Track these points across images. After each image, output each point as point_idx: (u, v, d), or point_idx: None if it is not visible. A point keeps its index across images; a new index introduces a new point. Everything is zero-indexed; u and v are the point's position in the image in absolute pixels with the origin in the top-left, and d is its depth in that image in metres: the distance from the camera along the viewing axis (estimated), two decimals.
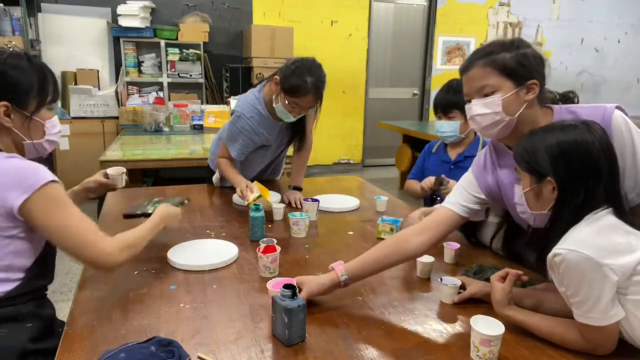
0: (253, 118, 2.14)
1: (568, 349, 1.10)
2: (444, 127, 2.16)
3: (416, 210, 1.83)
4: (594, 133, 1.08)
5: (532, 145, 1.13)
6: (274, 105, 2.09)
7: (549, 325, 1.13)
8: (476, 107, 1.29)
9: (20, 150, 1.27)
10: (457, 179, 2.12)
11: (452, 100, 2.11)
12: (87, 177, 1.75)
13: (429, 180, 2.09)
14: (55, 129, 1.33)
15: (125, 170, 1.82)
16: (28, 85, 1.22)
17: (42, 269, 1.26)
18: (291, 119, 2.11)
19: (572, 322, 1.07)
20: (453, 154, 2.23)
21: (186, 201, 2.01)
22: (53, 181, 1.16)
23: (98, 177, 1.74)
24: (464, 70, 1.31)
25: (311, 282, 1.29)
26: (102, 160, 3.14)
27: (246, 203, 1.94)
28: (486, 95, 1.26)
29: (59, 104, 4.90)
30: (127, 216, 1.95)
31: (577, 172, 1.07)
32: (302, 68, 1.98)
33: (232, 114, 2.24)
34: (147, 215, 1.53)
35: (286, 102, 2.02)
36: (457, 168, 2.20)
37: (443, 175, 2.09)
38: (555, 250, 1.04)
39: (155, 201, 2.04)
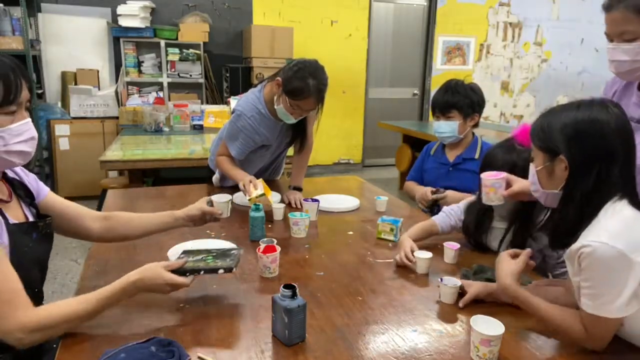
0: (253, 117, 2.14)
1: (568, 344, 1.10)
2: (442, 128, 2.15)
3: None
4: (610, 112, 1.05)
5: (548, 124, 1.11)
6: (275, 106, 2.09)
7: (551, 309, 1.12)
8: (615, 52, 1.26)
9: None
10: (456, 181, 2.14)
11: (450, 101, 2.11)
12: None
13: (425, 195, 2.13)
14: (17, 138, 1.10)
15: (231, 198, 1.62)
16: None
17: None
18: (292, 120, 2.11)
19: (574, 311, 1.08)
20: (451, 156, 2.23)
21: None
22: None
23: (202, 204, 1.52)
24: (606, 8, 1.28)
25: None
26: (102, 160, 3.14)
27: (247, 198, 1.93)
28: (627, 41, 1.23)
29: (59, 104, 4.91)
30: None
31: (590, 151, 1.04)
32: (305, 70, 1.98)
33: (232, 113, 2.24)
34: (195, 272, 1.22)
35: (288, 104, 2.02)
36: (456, 170, 2.20)
37: (438, 188, 2.12)
38: (584, 242, 1.01)
39: (210, 253, 1.36)
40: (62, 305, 1.08)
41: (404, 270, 1.54)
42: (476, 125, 2.19)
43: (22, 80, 1.10)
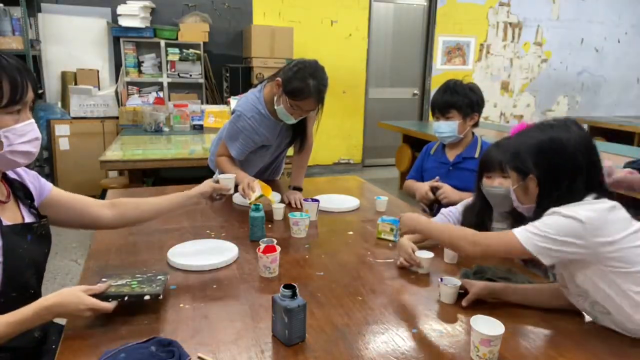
0: (253, 117, 2.14)
1: (568, 343, 1.10)
2: (442, 128, 2.16)
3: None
4: (571, 131, 1.15)
5: (517, 147, 1.22)
6: (275, 107, 2.09)
7: (447, 224, 1.47)
8: None
9: None
10: (455, 180, 2.14)
11: (449, 101, 2.12)
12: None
13: (426, 195, 2.15)
14: (21, 139, 1.10)
15: (234, 175, 1.81)
16: None
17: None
18: (292, 120, 2.11)
19: (462, 229, 1.35)
20: (451, 155, 2.23)
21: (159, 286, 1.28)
22: None
23: (212, 184, 1.62)
24: None
25: None
26: (102, 161, 3.14)
27: (248, 202, 1.93)
28: None
29: (59, 104, 4.91)
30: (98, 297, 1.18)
31: (555, 167, 1.14)
32: (305, 71, 1.98)
33: (232, 114, 2.24)
34: (119, 297, 1.18)
35: (288, 104, 2.02)
36: (456, 169, 2.20)
37: (437, 178, 2.11)
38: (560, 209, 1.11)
39: (131, 280, 1.29)
40: None
41: (404, 270, 1.54)
42: (476, 124, 2.20)
43: (28, 81, 1.10)
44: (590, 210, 1.08)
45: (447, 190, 2.11)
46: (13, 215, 1.20)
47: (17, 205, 1.23)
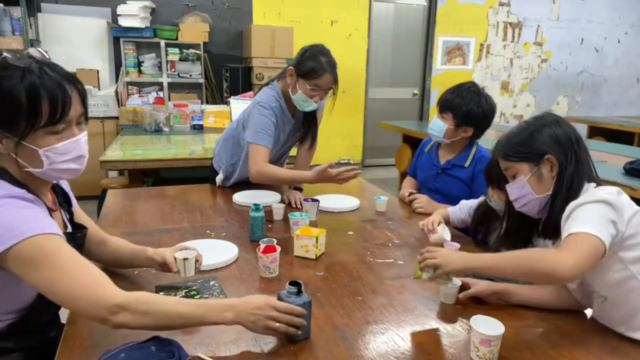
0: (277, 108, 2.16)
1: (568, 344, 1.10)
2: (433, 125, 2.12)
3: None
4: (563, 125, 1.28)
5: (525, 136, 1.29)
6: (292, 96, 2.12)
7: (515, 253, 1.15)
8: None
9: (30, 178, 1.09)
10: (443, 185, 2.14)
11: (451, 102, 2.04)
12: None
13: (402, 195, 2.26)
14: (63, 157, 1.07)
15: (195, 254, 1.37)
16: (12, 104, 0.99)
17: (39, 309, 1.13)
18: (312, 106, 2.13)
19: (532, 250, 1.19)
20: (443, 159, 2.18)
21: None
22: (36, 235, 0.96)
23: (168, 254, 1.37)
24: None
25: None
26: (102, 161, 3.14)
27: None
28: None
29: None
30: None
31: (565, 144, 1.25)
32: (314, 51, 2.08)
33: (256, 106, 2.17)
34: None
35: (307, 86, 2.06)
36: (444, 174, 2.16)
37: (415, 194, 2.20)
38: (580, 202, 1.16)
39: (191, 287, 1.35)
40: (160, 300, 1.05)
41: (404, 270, 1.55)
42: (474, 137, 2.12)
43: (72, 96, 1.05)
44: (608, 193, 1.15)
45: (423, 201, 2.11)
46: (60, 224, 1.21)
47: (61, 213, 1.25)
